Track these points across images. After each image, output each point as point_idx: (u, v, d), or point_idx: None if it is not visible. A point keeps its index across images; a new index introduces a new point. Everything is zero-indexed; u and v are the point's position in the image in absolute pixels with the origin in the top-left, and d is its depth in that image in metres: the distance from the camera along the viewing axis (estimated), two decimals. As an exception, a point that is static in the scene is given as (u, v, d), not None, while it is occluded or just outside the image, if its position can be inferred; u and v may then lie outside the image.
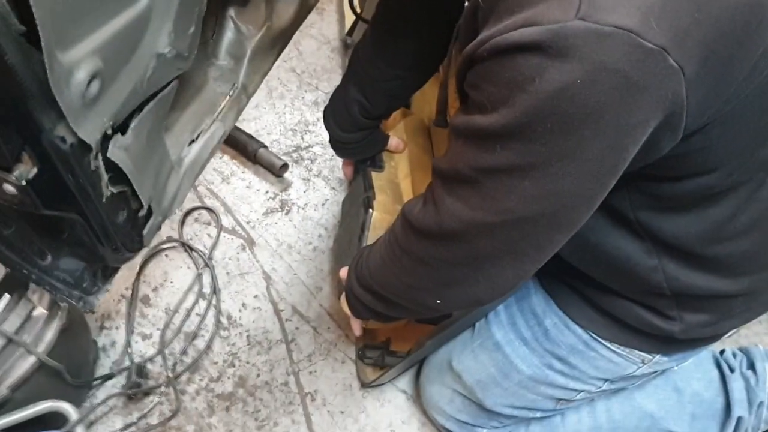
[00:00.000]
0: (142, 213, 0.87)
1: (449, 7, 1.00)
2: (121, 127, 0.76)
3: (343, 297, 1.15)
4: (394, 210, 1.40)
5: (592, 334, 1.01)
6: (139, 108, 0.79)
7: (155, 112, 0.83)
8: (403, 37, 1.16)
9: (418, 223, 0.79)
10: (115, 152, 0.75)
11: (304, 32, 2.32)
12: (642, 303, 0.92)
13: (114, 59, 0.70)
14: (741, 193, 0.77)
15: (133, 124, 0.78)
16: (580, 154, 0.60)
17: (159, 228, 0.97)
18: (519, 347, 1.09)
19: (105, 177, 0.77)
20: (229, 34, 1.11)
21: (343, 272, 1.15)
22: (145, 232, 0.91)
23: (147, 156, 0.84)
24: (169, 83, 0.84)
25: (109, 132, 0.73)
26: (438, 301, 0.84)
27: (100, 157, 0.74)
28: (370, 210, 1.37)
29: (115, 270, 1.00)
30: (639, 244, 0.83)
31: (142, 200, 0.84)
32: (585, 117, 0.57)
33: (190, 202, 1.82)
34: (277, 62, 1.36)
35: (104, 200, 0.79)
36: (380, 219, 1.37)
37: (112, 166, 0.76)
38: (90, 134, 0.70)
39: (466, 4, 0.73)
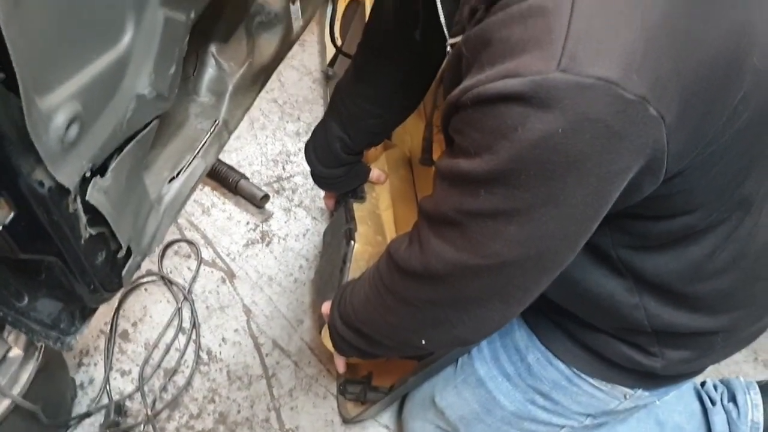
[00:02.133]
0: (121, 254, 0.86)
1: (430, 48, 1.01)
2: (100, 169, 0.76)
3: (324, 332, 1.14)
4: (375, 242, 1.40)
5: (575, 370, 1.01)
6: (119, 149, 0.79)
7: (135, 153, 0.82)
8: (384, 75, 1.17)
9: (403, 263, 0.79)
10: (93, 195, 0.74)
11: (286, 63, 2.33)
12: (624, 339, 0.93)
13: (93, 102, 0.70)
14: (720, 232, 0.78)
15: (112, 166, 0.77)
16: (563, 200, 0.61)
17: (138, 267, 0.95)
18: (502, 383, 1.09)
19: (83, 219, 0.76)
20: (210, 71, 1.11)
21: (326, 307, 1.14)
22: (123, 272, 0.90)
23: (126, 196, 0.83)
24: (150, 123, 0.84)
25: (88, 174, 0.73)
26: (423, 341, 0.84)
27: (78, 200, 0.73)
28: (352, 242, 1.37)
29: (94, 310, 0.98)
30: (620, 282, 0.84)
31: (120, 241, 0.83)
32: (568, 165, 0.58)
33: (170, 234, 1.80)
34: (259, 93, 1.36)
35: (82, 242, 0.78)
36: (362, 251, 1.36)
37: (90, 208, 0.75)
38: (68, 178, 0.69)
39: (449, 49, 0.74)
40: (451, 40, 0.73)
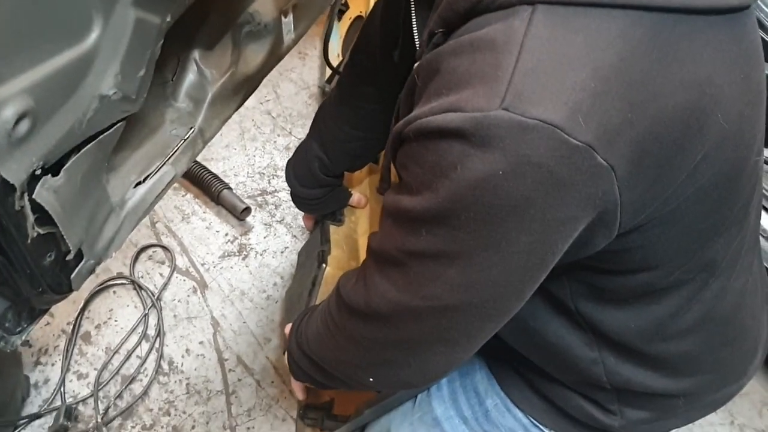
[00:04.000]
0: (70, 256, 0.83)
1: (408, 71, 0.99)
2: (53, 168, 0.73)
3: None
4: (348, 266, 1.37)
5: (533, 420, 0.97)
6: (77, 149, 0.76)
7: (94, 154, 0.80)
8: (367, 100, 1.15)
9: (348, 299, 0.76)
10: (42, 194, 0.71)
11: (285, 75, 2.32)
12: (583, 394, 0.89)
13: (49, 99, 0.67)
14: (683, 292, 0.75)
15: (67, 165, 0.75)
16: (506, 247, 0.57)
17: (92, 271, 0.92)
18: (458, 425, 1.05)
19: (31, 218, 0.73)
20: (190, 77, 1.09)
21: (288, 329, 1.11)
22: (73, 275, 0.87)
23: (80, 198, 0.80)
24: (114, 125, 0.82)
25: (39, 172, 0.70)
26: (371, 380, 0.81)
27: (26, 197, 0.71)
28: (324, 264, 1.34)
29: (44, 311, 0.95)
30: (579, 335, 0.81)
31: (69, 243, 0.80)
32: (509, 209, 0.55)
33: (146, 238, 1.78)
34: (253, 103, 1.33)
35: (29, 241, 0.75)
36: (333, 275, 1.33)
37: (39, 207, 0.73)
38: (15, 174, 0.66)
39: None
40: (417, 64, 0.70)
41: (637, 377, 0.83)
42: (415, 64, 0.68)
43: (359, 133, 1.19)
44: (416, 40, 0.75)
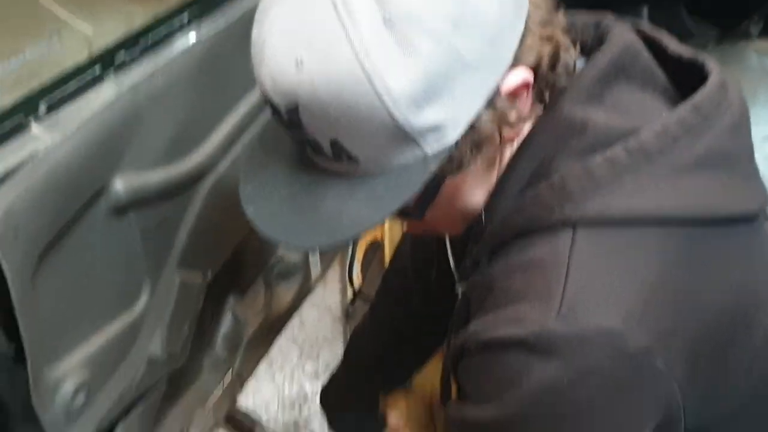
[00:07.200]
0: None
1: (444, 294, 1.02)
2: (105, 433, 0.74)
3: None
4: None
5: None
6: (126, 410, 0.78)
7: (142, 415, 0.81)
8: (402, 321, 1.17)
9: None
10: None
11: (307, 301, 2.35)
12: None
13: (103, 368, 0.70)
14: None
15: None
16: None
17: None
18: None
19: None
20: (226, 324, 1.12)
21: None
22: None
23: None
24: (159, 382, 0.84)
25: (92, 443, 0.71)
26: None
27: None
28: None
29: None
30: None
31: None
32: (576, 414, 0.56)
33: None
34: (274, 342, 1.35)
35: None
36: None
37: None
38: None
39: (459, 291, 0.75)
40: (459, 286, 0.74)
41: None
42: (461, 285, 0.72)
43: (395, 355, 1.20)
44: (452, 264, 0.79)
